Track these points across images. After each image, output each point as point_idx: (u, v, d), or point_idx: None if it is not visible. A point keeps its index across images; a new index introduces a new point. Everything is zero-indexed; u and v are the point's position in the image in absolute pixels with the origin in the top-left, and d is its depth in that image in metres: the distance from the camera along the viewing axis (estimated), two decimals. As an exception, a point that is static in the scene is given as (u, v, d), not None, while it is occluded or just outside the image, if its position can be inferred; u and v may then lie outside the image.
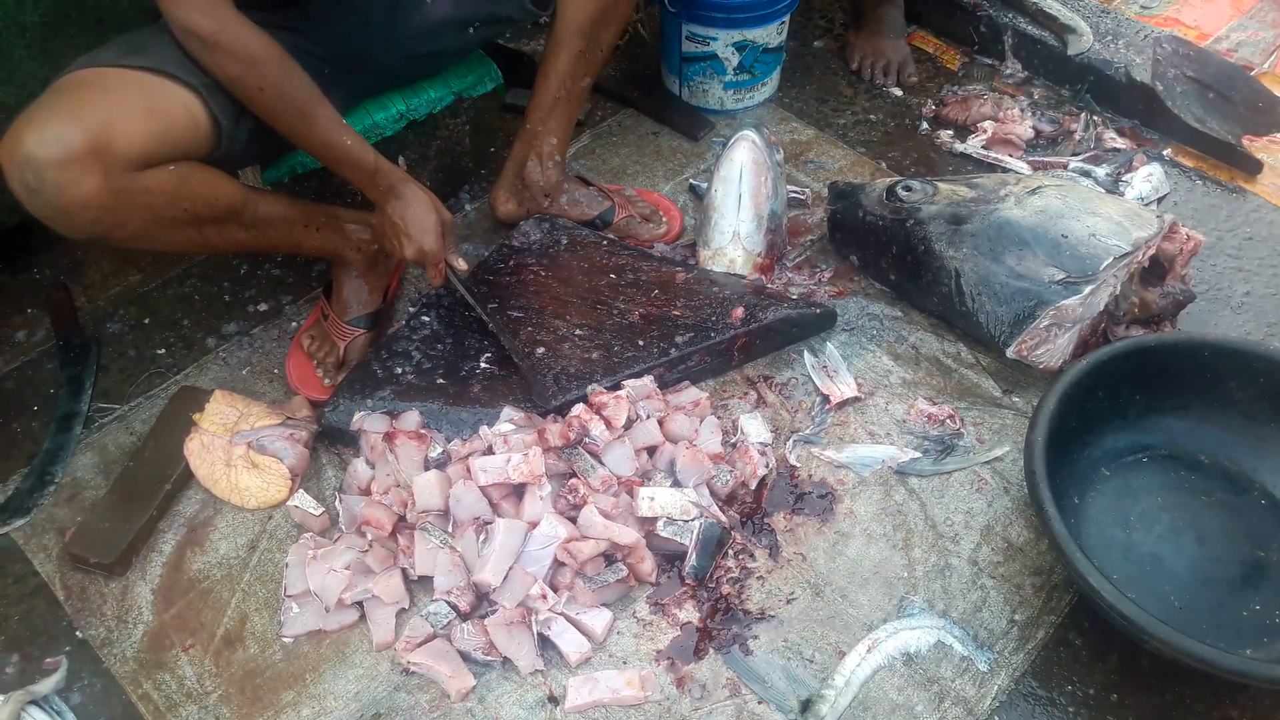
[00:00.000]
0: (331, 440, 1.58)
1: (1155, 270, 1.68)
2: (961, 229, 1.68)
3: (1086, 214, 1.65)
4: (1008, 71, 2.28)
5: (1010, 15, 2.31)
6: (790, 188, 2.00)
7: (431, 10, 1.66)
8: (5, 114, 1.70)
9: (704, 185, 2.03)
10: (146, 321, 1.81)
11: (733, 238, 1.78)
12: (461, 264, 1.64)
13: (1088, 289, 1.57)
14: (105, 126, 1.27)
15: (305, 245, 1.63)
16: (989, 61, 2.33)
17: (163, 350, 1.75)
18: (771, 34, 2.13)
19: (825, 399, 1.63)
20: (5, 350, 1.76)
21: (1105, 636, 1.37)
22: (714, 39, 2.10)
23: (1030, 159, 2.07)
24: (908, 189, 1.79)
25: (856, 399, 1.63)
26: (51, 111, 1.28)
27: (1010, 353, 1.60)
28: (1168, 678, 1.33)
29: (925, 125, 2.18)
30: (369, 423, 1.51)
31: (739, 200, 1.77)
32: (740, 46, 2.11)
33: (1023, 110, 2.16)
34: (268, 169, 1.71)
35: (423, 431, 1.49)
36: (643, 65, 2.34)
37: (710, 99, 2.22)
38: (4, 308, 1.83)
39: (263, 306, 1.83)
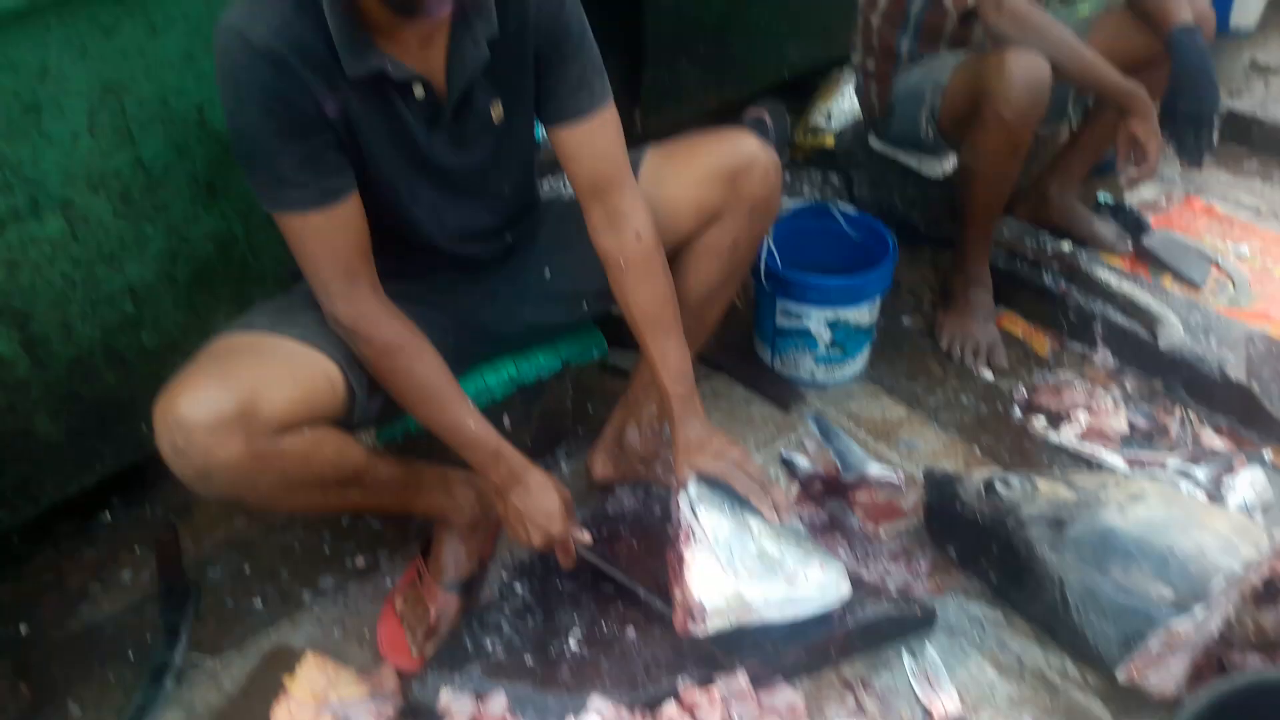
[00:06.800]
0: (417, 717, 1.55)
1: (1270, 591, 1.63)
2: (1064, 533, 1.66)
3: (1193, 526, 1.62)
4: (1099, 360, 2.31)
5: (1099, 304, 2.36)
6: (883, 470, 2.01)
7: (551, 284, 1.75)
8: (147, 359, 1.81)
9: (797, 458, 2.06)
10: (246, 569, 1.83)
11: None
12: (585, 537, 1.64)
13: (1200, 611, 1.52)
14: (254, 392, 1.33)
15: (414, 506, 1.66)
16: (1079, 348, 2.37)
17: (259, 601, 1.76)
18: (864, 314, 2.20)
19: (927, 713, 1.57)
20: (111, 591, 1.79)
21: None
22: (807, 315, 2.17)
23: (1127, 454, 2.07)
24: (1006, 484, 1.78)
25: (961, 718, 1.57)
26: (206, 375, 1.34)
27: (1121, 676, 1.54)
28: None
29: (1018, 411, 2.20)
30: (455, 704, 1.49)
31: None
32: (833, 324, 2.18)
33: (1116, 402, 2.17)
34: (382, 428, 1.76)
35: (508, 717, 1.46)
36: (735, 332, 2.40)
37: (802, 371, 2.27)
38: (114, 546, 1.87)
39: (360, 561, 1.84)
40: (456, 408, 1.53)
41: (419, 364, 1.49)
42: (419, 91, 1.42)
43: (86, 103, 1.53)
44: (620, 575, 1.66)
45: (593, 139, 1.56)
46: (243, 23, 1.29)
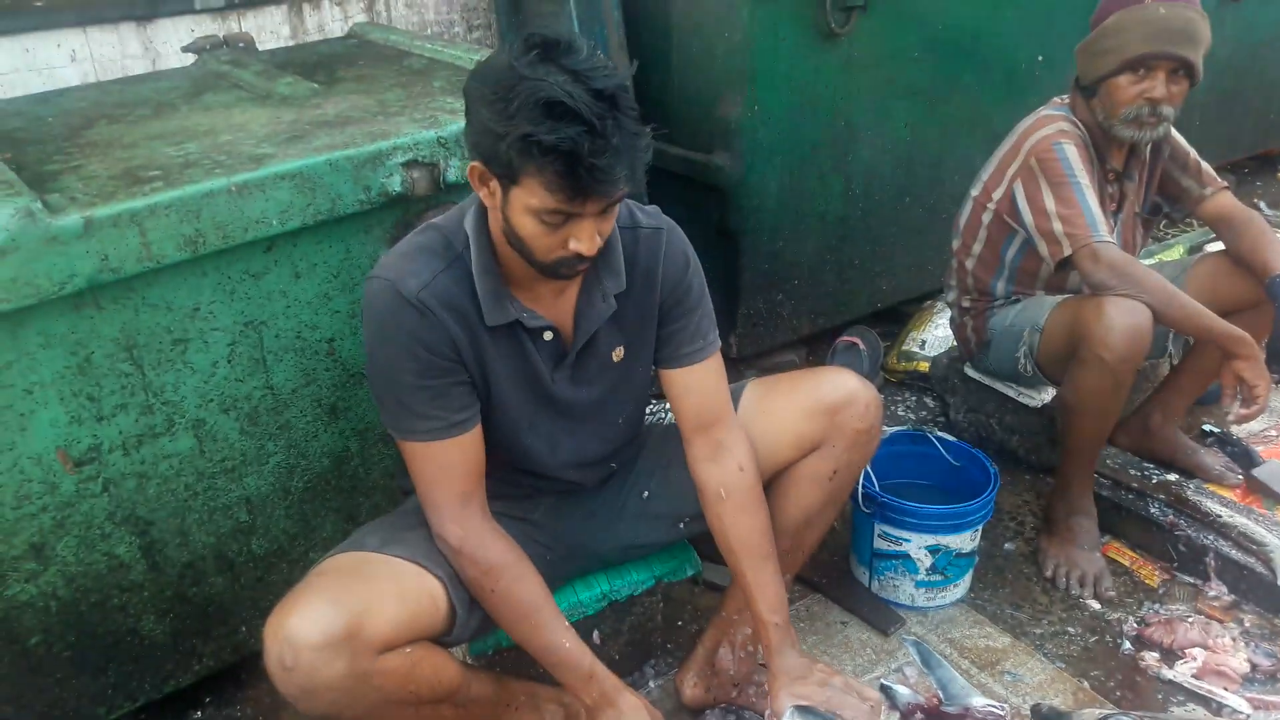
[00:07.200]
0: None
1: None
2: (1183, 782, 1.57)
3: (1327, 779, 1.51)
4: (1212, 593, 2.21)
5: (1211, 536, 2.27)
6: (988, 702, 1.93)
7: (648, 505, 1.80)
8: (255, 564, 1.90)
9: (896, 688, 1.99)
10: (330, 779, 1.83)
11: None
12: None
13: None
14: (362, 613, 1.39)
15: None
16: (1191, 580, 2.27)
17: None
18: (965, 540, 2.17)
19: None
20: (199, 794, 1.81)
21: None
22: (907, 540, 2.16)
23: (1248, 695, 1.95)
24: (1119, 726, 1.70)
25: None
26: (317, 595, 1.41)
27: None
28: None
29: (1128, 645, 2.11)
30: None
31: None
32: (934, 550, 2.15)
33: (1234, 639, 2.07)
34: (475, 642, 1.79)
35: None
36: (832, 552, 2.39)
37: (901, 595, 2.23)
38: (208, 747, 1.91)
39: (445, 777, 1.82)
40: (553, 628, 1.57)
41: (520, 585, 1.54)
42: (548, 335, 1.56)
43: (229, 336, 1.71)
44: None
45: (702, 381, 1.67)
46: (396, 276, 1.46)
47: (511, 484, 1.70)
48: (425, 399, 1.48)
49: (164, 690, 1.86)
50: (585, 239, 1.36)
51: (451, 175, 1.81)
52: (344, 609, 1.38)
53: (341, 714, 1.44)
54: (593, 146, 1.26)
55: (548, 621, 1.57)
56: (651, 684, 2.04)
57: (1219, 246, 2.43)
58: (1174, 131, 2.37)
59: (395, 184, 1.75)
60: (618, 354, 1.64)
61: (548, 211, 1.33)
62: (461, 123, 1.80)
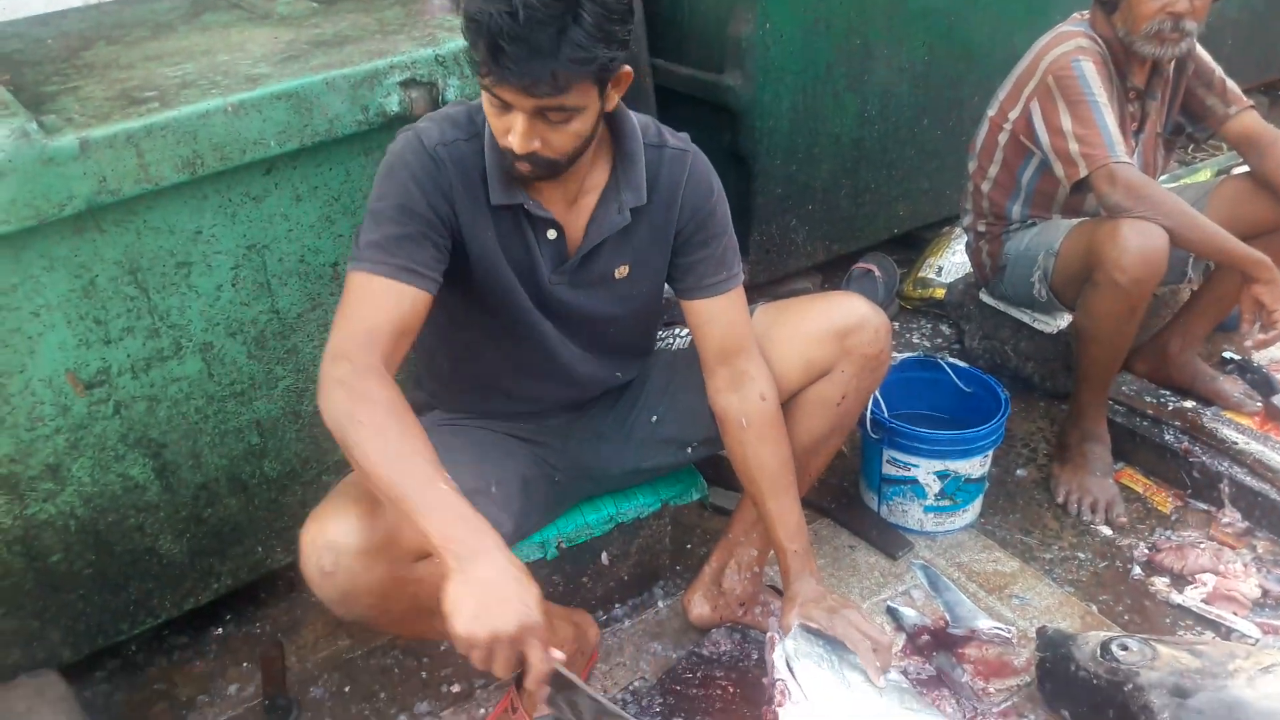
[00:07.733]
0: None
1: None
2: (1186, 704, 1.56)
3: (1330, 702, 1.51)
4: (1225, 520, 2.20)
5: (1226, 463, 2.25)
6: (994, 624, 1.94)
7: (657, 429, 1.80)
8: (268, 486, 1.91)
9: (903, 610, 2.01)
10: (347, 690, 1.88)
11: None
12: (561, 655, 1.30)
13: (1340, 795, 1.40)
14: (397, 521, 1.37)
15: None
16: (1204, 507, 2.26)
17: (356, 727, 1.80)
18: (975, 466, 2.16)
19: None
20: (218, 703, 1.86)
21: None
22: (916, 466, 2.15)
23: (1259, 620, 1.94)
24: (1124, 648, 1.69)
25: None
26: (355, 504, 1.39)
27: None
28: None
29: (1138, 570, 2.10)
30: None
31: None
32: (942, 475, 2.15)
33: (1246, 565, 2.06)
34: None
35: None
36: (841, 476, 2.39)
37: (910, 519, 2.23)
38: (223, 660, 1.96)
39: (455, 688, 1.87)
40: (429, 468, 1.32)
41: (395, 421, 1.34)
42: (551, 234, 1.54)
43: (232, 260, 1.70)
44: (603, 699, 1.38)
45: (726, 311, 1.65)
46: (423, 129, 1.48)
47: (519, 398, 1.71)
48: (395, 236, 1.41)
49: (184, 608, 1.90)
50: (517, 133, 1.36)
51: (450, 94, 1.77)
52: (381, 517, 1.38)
53: (376, 619, 1.46)
54: (508, 30, 1.25)
55: (422, 464, 1.31)
56: (660, 604, 2.06)
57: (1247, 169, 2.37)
58: (1199, 48, 2.30)
59: (393, 104, 1.72)
60: (621, 271, 1.62)
61: (483, 87, 1.35)
62: (460, 41, 1.78)
